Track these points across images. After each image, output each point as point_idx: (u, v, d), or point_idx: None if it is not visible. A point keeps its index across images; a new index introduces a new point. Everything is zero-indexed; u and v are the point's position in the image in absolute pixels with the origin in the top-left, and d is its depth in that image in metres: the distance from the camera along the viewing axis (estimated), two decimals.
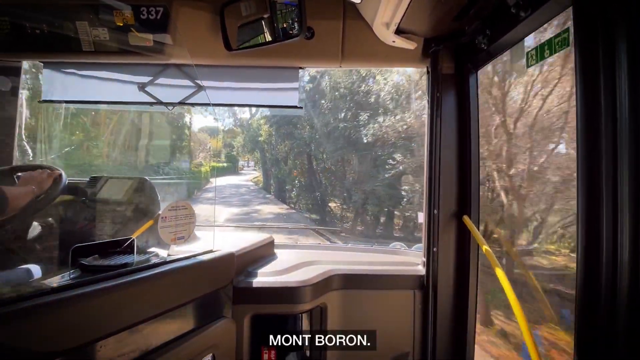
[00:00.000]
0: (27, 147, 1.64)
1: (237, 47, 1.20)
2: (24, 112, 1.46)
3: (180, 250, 1.05)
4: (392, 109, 8.22)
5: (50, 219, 1.14)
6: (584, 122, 0.60)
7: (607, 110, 0.56)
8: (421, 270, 1.32)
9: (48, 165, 1.24)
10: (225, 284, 1.10)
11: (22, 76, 1.45)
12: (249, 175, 25.01)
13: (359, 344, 1.29)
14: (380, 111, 8.52)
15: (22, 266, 0.76)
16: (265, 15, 1.14)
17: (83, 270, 0.78)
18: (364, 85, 8.87)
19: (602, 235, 0.57)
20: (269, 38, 1.16)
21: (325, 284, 1.23)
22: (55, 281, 0.71)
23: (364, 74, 8.68)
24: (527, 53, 0.89)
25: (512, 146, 3.07)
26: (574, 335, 0.64)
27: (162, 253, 0.97)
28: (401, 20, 1.02)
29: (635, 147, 0.52)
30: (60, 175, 1.18)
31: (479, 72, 1.21)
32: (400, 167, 8.03)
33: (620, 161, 0.54)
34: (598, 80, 0.57)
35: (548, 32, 0.86)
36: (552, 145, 2.78)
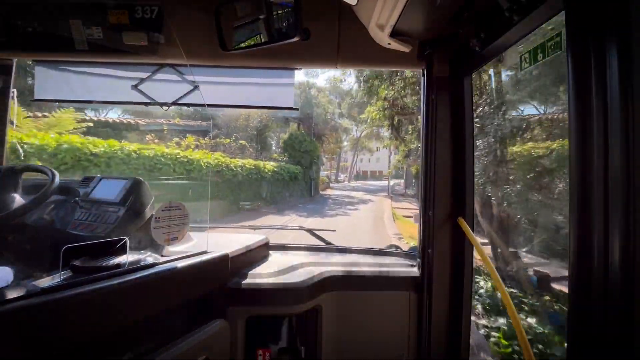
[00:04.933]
0: (18, 147, 1.61)
1: (232, 47, 1.19)
2: (15, 110, 1.44)
3: (174, 252, 1.04)
4: None
5: (40, 219, 1.12)
6: (575, 124, 0.61)
7: (599, 112, 0.57)
8: (416, 271, 1.32)
9: (40, 166, 1.22)
10: (219, 286, 1.09)
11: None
12: (356, 214, 10.70)
13: (353, 345, 1.29)
14: None
15: (3, 267, 0.74)
16: (261, 16, 1.13)
17: (74, 271, 0.77)
18: None
19: (593, 237, 0.57)
20: (265, 39, 1.15)
21: (320, 285, 1.23)
22: (45, 282, 0.70)
23: None
24: (521, 56, 0.90)
25: None
26: (566, 336, 0.65)
27: (156, 254, 0.96)
28: (396, 22, 1.03)
29: (625, 148, 0.53)
30: (54, 175, 1.16)
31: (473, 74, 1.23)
32: None
33: (611, 162, 0.55)
34: (590, 83, 0.58)
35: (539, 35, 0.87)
36: None
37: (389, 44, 1.18)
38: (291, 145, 15.41)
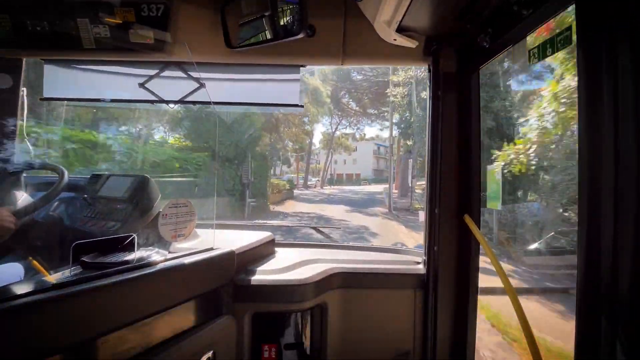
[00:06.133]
0: (29, 145, 1.64)
1: (238, 44, 1.19)
2: (25, 109, 1.46)
3: (181, 248, 1.05)
4: None
5: (50, 216, 1.14)
6: (585, 119, 0.60)
7: (609, 108, 0.55)
8: (422, 269, 1.32)
9: (51, 164, 1.24)
10: (225, 282, 1.10)
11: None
12: None
13: (359, 342, 1.29)
14: None
15: (14, 262, 0.76)
16: (267, 13, 1.13)
17: (84, 267, 0.78)
18: None
19: (601, 237, 0.57)
20: (270, 36, 1.15)
21: (326, 283, 1.23)
22: (56, 278, 0.71)
23: None
24: (529, 51, 0.89)
25: None
26: (574, 336, 0.64)
27: (163, 251, 0.97)
28: (402, 18, 1.02)
29: (637, 145, 0.52)
30: (63, 172, 1.18)
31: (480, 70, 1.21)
32: None
33: (621, 159, 0.54)
34: (600, 78, 0.57)
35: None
36: None
37: (395, 40, 1.17)
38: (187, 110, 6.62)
